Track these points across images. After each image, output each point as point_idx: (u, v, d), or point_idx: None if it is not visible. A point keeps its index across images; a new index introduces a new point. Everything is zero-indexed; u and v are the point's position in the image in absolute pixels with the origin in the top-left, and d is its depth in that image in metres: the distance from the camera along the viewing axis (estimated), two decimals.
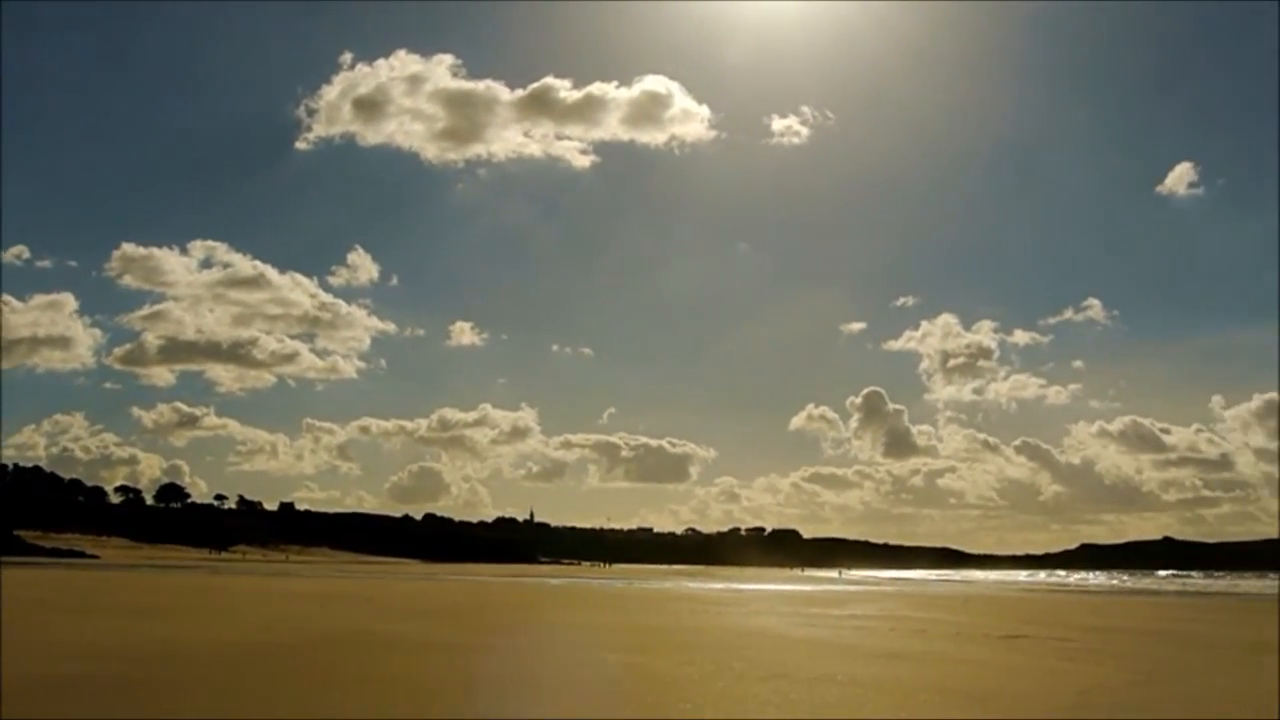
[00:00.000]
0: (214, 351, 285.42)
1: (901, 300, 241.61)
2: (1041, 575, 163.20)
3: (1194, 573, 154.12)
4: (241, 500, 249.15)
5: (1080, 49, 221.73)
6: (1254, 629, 26.66)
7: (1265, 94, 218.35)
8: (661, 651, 15.60)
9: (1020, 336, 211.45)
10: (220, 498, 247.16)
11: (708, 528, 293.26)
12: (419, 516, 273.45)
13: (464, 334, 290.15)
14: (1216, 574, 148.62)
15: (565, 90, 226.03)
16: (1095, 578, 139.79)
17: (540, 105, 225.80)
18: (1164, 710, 11.24)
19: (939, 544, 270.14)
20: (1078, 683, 12.91)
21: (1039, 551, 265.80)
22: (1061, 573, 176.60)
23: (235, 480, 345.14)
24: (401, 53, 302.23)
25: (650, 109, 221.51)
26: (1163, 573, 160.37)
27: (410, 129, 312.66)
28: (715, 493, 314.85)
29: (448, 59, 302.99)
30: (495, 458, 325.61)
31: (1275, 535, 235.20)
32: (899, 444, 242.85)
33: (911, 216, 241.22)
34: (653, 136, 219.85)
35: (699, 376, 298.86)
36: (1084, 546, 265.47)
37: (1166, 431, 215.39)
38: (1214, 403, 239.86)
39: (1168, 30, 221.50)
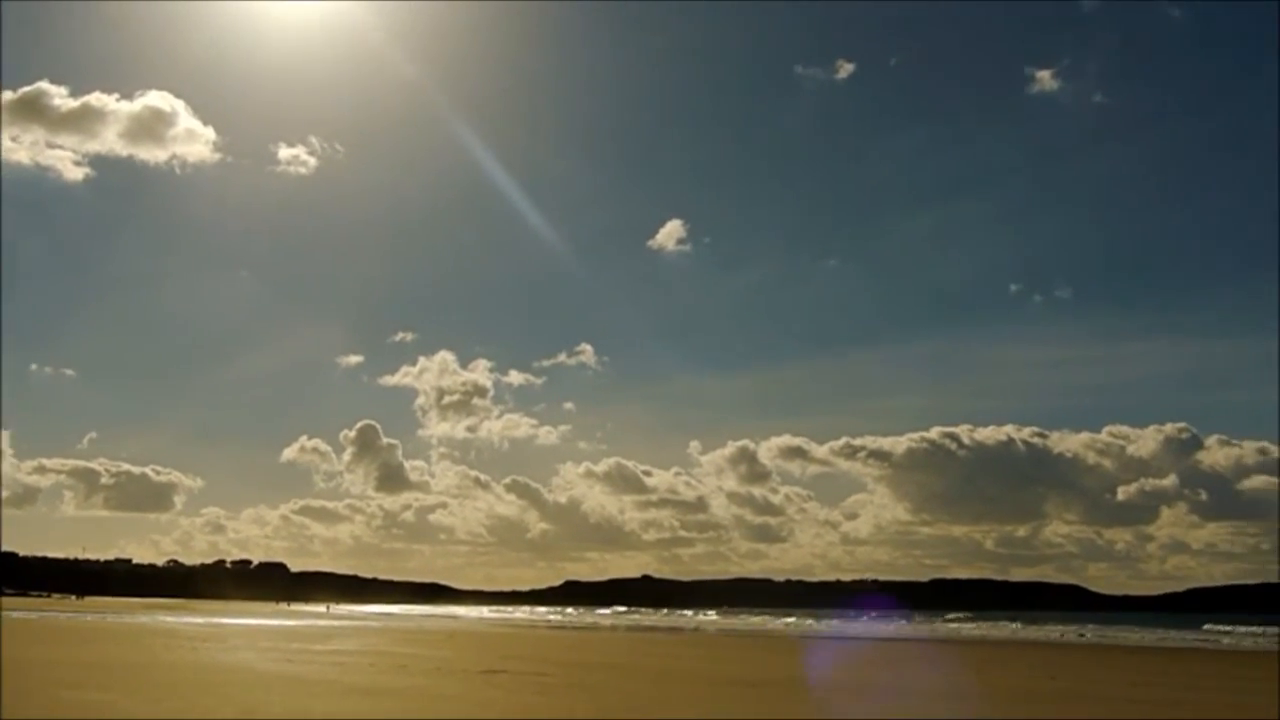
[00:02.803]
0: None
1: (400, 335, 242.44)
2: (528, 611, 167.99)
3: (668, 609, 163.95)
4: None
5: (586, 103, 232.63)
6: (723, 663, 28.16)
7: (751, 158, 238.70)
8: (128, 689, 14.29)
9: (515, 377, 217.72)
10: None
11: (191, 559, 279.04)
12: None
13: None
14: (684, 612, 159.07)
15: (60, 98, 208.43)
16: (579, 614, 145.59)
17: (31, 111, 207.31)
18: None
19: (429, 579, 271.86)
20: (550, 716, 12.78)
21: (526, 588, 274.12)
22: (546, 609, 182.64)
23: None
24: None
25: (152, 125, 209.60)
26: (641, 610, 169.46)
27: None
28: (200, 523, 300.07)
29: None
30: None
31: (744, 575, 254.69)
32: (392, 478, 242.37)
33: (414, 253, 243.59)
34: (153, 154, 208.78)
35: (189, 403, 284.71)
36: (569, 583, 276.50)
37: (648, 474, 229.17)
38: (692, 447, 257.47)
39: (664, 92, 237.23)
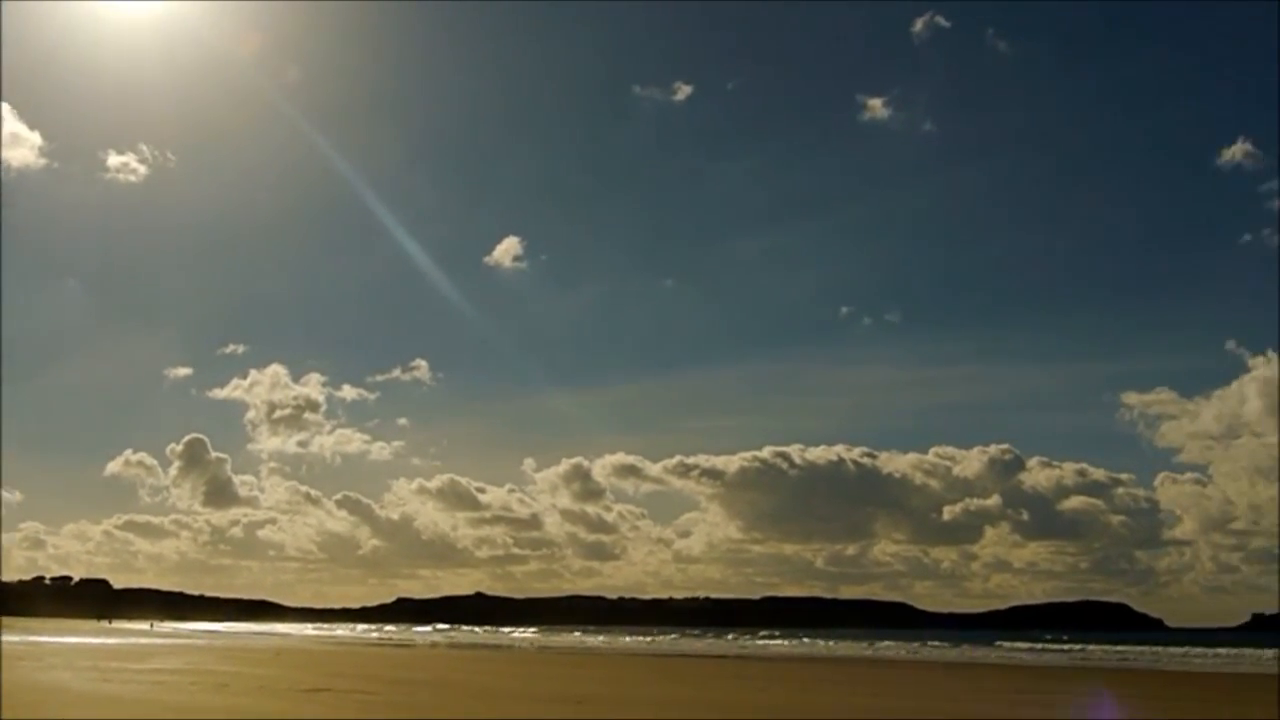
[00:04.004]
0: None
1: (231, 348, 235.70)
2: (358, 628, 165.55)
3: (506, 627, 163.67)
4: None
5: (421, 117, 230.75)
6: (543, 681, 28.83)
7: (589, 177, 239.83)
8: None
9: (348, 391, 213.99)
10: None
11: (9, 576, 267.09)
12: None
13: None
14: (511, 630, 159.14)
15: None
16: (409, 632, 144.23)
17: None
18: None
19: (257, 596, 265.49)
20: None
21: (356, 605, 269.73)
22: (376, 626, 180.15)
23: None
24: None
25: None
26: (471, 627, 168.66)
27: None
28: (19, 539, 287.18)
29: None
30: None
31: (577, 592, 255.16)
32: (220, 493, 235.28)
33: (246, 265, 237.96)
34: None
35: (9, 414, 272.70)
36: (400, 600, 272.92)
37: (482, 490, 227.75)
38: (526, 464, 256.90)
39: (503, 107, 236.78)
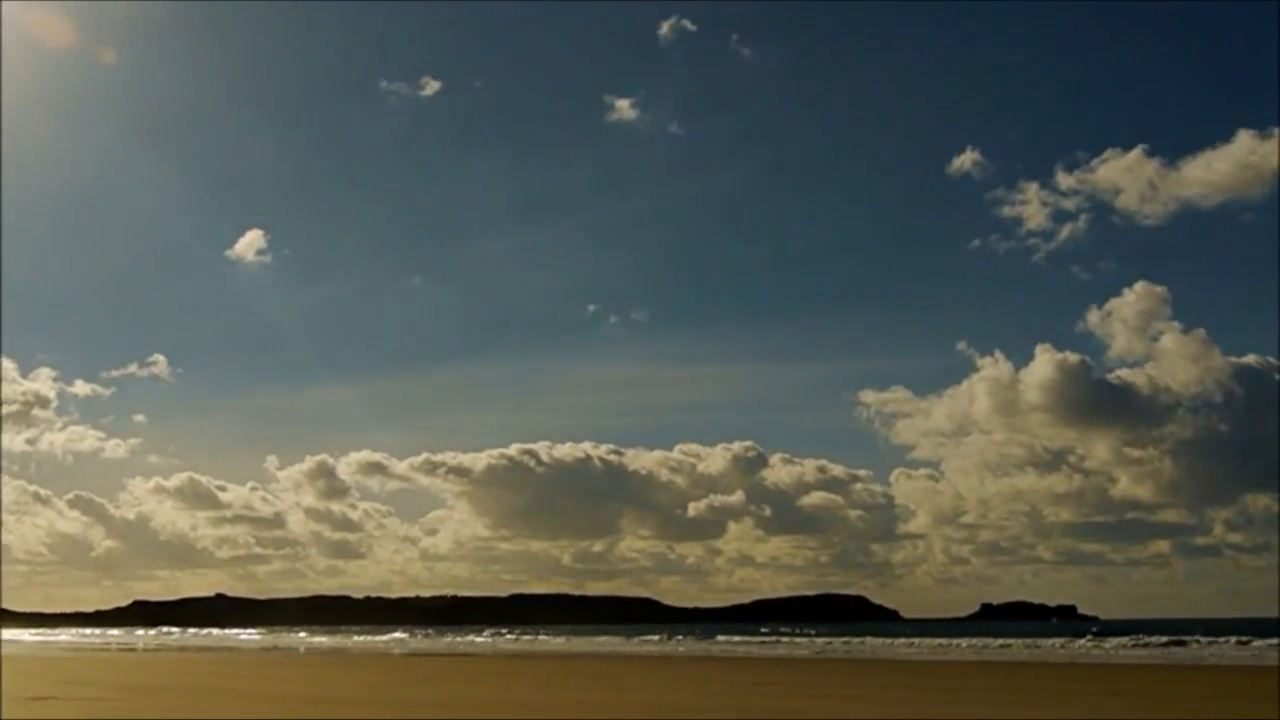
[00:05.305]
0: None
1: None
2: (92, 633, 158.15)
3: (249, 630, 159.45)
4: None
5: (161, 104, 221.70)
6: (281, 682, 28.79)
7: (335, 171, 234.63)
8: None
9: (81, 387, 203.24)
10: None
11: None
12: None
13: None
14: (263, 630, 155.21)
15: None
16: (145, 635, 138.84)
17: None
18: None
19: None
20: None
21: (90, 609, 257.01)
22: (113, 630, 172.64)
23: None
24: None
25: None
26: (218, 630, 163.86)
27: None
28: None
29: None
30: None
31: (322, 592, 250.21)
32: None
33: None
34: None
35: None
36: (137, 603, 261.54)
37: (223, 489, 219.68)
38: (269, 462, 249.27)
39: (245, 98, 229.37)
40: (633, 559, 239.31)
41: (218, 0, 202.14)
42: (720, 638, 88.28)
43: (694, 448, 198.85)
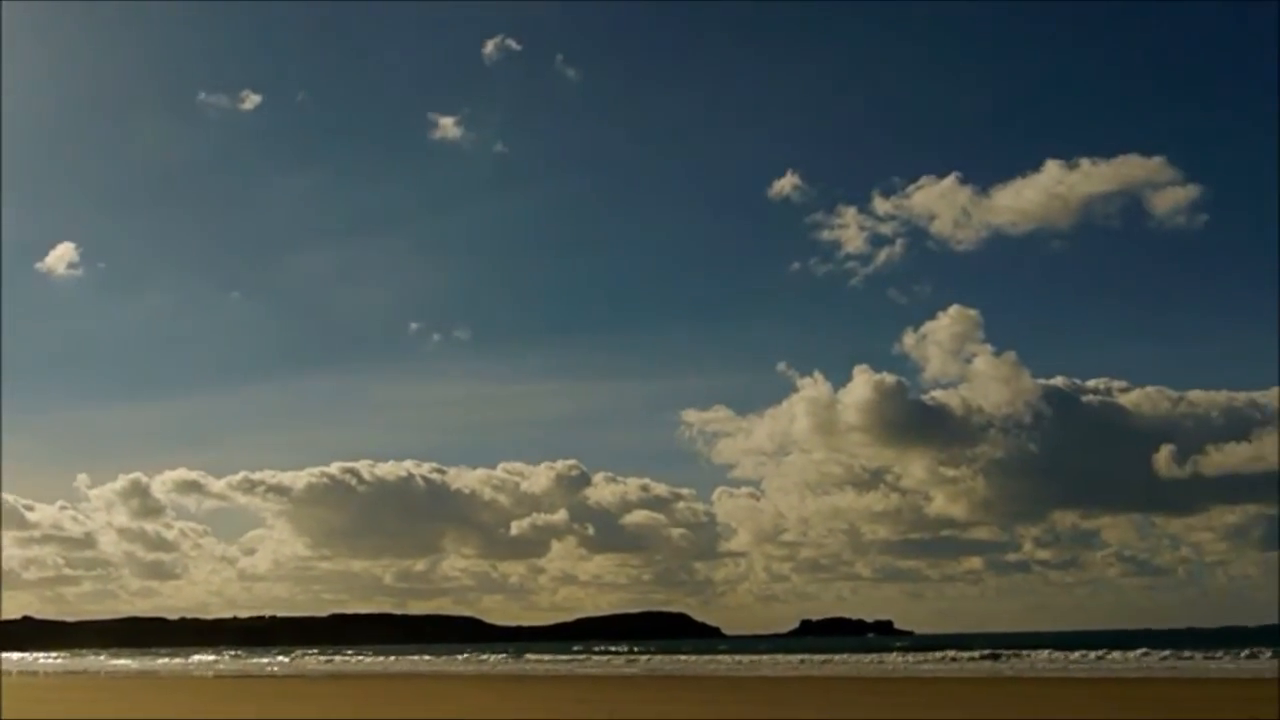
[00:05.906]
0: None
1: None
2: None
3: (55, 652, 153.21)
4: None
5: None
6: (90, 706, 27.62)
7: (152, 183, 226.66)
8: None
9: None
10: None
11: None
12: None
13: None
14: (73, 654, 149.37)
15: None
16: None
17: None
18: None
19: None
20: None
21: None
22: None
23: None
24: None
25: None
26: (25, 654, 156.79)
27: None
28: None
29: None
30: None
31: (135, 614, 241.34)
32: None
33: None
34: None
35: None
36: None
37: (30, 508, 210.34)
38: (80, 480, 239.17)
39: (56, 108, 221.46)
40: (455, 578, 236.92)
41: (26, 9, 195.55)
42: (541, 655, 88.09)
43: (517, 466, 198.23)
